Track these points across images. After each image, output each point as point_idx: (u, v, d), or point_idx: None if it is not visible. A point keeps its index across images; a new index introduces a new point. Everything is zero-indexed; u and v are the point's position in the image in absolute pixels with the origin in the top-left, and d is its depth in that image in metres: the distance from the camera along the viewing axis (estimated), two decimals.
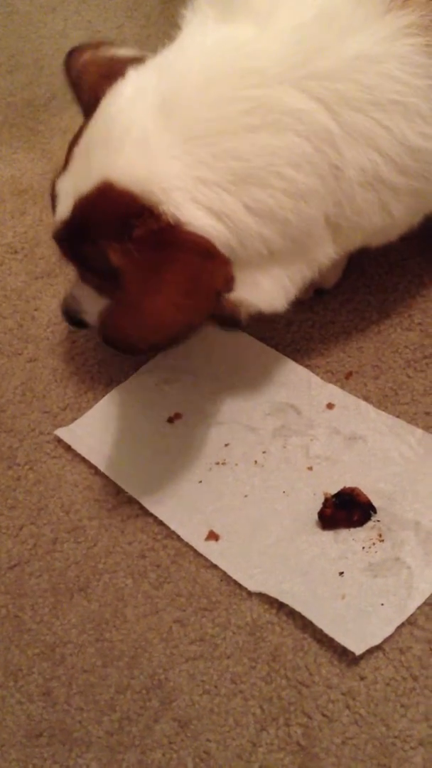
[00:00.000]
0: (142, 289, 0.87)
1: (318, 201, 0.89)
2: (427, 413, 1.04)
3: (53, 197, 0.97)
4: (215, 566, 0.94)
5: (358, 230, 0.95)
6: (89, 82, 0.99)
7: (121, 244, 0.87)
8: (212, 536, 0.96)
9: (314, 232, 0.92)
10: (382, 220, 0.94)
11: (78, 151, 0.94)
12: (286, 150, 0.86)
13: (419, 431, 1.01)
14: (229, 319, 0.98)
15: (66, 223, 0.93)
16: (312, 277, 0.98)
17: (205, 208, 0.86)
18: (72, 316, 1.07)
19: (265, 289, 0.94)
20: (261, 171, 0.86)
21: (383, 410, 1.04)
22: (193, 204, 0.86)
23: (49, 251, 1.36)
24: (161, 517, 0.98)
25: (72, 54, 1.07)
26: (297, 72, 0.85)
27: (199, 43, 0.91)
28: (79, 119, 1.75)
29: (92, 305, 1.01)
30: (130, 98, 0.91)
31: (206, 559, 0.95)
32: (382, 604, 0.87)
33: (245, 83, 0.86)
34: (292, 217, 0.89)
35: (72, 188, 0.92)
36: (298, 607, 0.88)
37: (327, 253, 0.96)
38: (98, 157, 0.90)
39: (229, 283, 0.90)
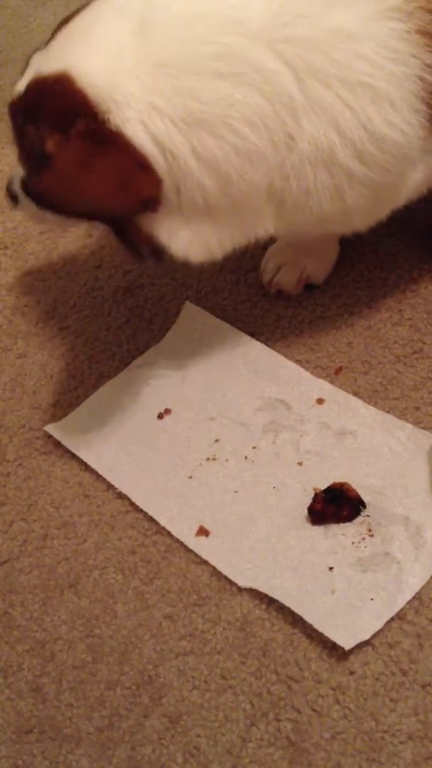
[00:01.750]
0: (75, 167, 0.87)
1: (265, 167, 0.88)
2: (417, 408, 1.04)
3: (25, 67, 0.97)
4: (205, 562, 0.94)
5: (305, 211, 0.93)
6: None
7: (61, 135, 0.87)
8: (202, 532, 0.96)
9: (254, 200, 0.91)
10: (333, 206, 0.93)
11: (60, 34, 0.93)
12: (246, 106, 0.85)
13: (409, 426, 1.01)
14: (146, 249, 0.96)
15: (20, 97, 0.94)
16: (243, 245, 0.97)
17: (151, 135, 0.86)
18: (8, 191, 1.06)
19: (181, 238, 0.93)
20: (216, 119, 0.85)
21: (373, 405, 1.04)
22: (140, 125, 0.85)
23: (39, 247, 1.36)
24: (151, 513, 0.98)
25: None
26: (275, 33, 0.84)
27: None
28: None
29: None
30: (118, 8, 0.90)
31: (196, 555, 0.95)
32: (372, 599, 0.87)
33: (224, 29, 0.85)
34: (235, 175, 0.88)
35: (38, 66, 0.92)
36: (287, 602, 0.88)
37: (266, 227, 0.95)
38: (70, 46, 0.90)
39: (155, 202, 0.89)
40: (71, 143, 0.87)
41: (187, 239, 0.93)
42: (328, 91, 0.86)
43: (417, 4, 0.86)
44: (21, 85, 0.94)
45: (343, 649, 0.84)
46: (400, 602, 0.87)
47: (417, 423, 1.02)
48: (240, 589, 0.91)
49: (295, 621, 0.88)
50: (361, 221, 1.02)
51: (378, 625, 0.85)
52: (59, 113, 0.88)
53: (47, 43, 0.95)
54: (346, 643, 0.84)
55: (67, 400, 1.13)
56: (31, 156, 0.94)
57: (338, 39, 0.85)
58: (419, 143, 0.91)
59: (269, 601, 0.90)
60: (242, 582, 0.91)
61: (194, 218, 0.91)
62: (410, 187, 0.98)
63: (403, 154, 0.91)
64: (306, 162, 0.89)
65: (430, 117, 0.90)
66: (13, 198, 1.06)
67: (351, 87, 0.86)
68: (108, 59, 0.87)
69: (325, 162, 0.89)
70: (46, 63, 0.91)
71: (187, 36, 0.86)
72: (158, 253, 0.95)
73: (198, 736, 0.83)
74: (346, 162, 0.89)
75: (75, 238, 1.37)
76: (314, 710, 0.83)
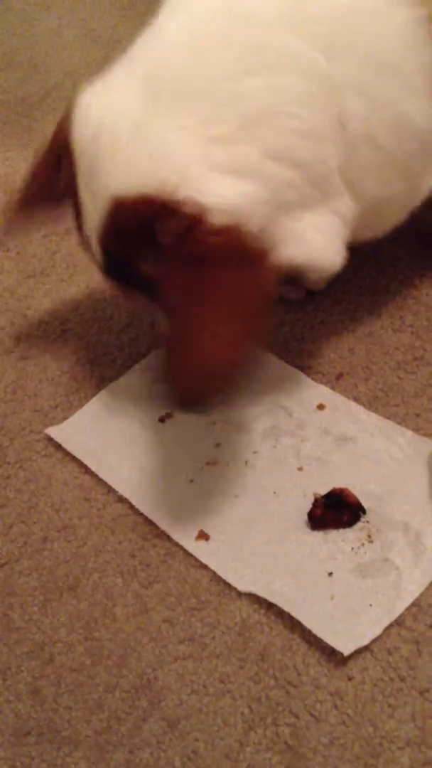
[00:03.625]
0: (188, 319, 0.80)
1: (329, 145, 0.84)
2: (417, 415, 1.04)
3: (85, 246, 0.94)
4: (205, 566, 0.94)
5: (361, 196, 0.90)
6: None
7: (151, 252, 0.81)
8: (202, 536, 0.96)
9: (332, 180, 0.86)
10: (377, 188, 0.90)
11: (82, 195, 0.89)
12: (290, 89, 0.81)
13: (409, 433, 1.01)
14: (298, 286, 0.92)
15: (102, 260, 0.90)
16: (345, 234, 0.90)
17: (227, 171, 0.80)
18: None
19: (311, 240, 0.87)
20: (270, 109, 0.81)
21: (373, 411, 1.04)
22: (213, 173, 0.79)
23: (41, 249, 1.36)
24: (151, 517, 0.98)
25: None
26: (292, 15, 0.82)
27: (181, 11, 0.85)
28: None
29: None
30: (101, 105, 0.86)
31: (196, 559, 0.95)
32: (371, 605, 0.87)
33: (236, 29, 0.81)
34: (310, 157, 0.84)
35: (93, 227, 0.88)
36: (286, 607, 0.88)
37: (349, 206, 0.89)
38: (98, 182, 0.85)
39: (278, 272, 0.83)
40: (167, 257, 0.81)
41: (313, 238, 0.88)
42: (359, 67, 0.83)
43: None
44: (96, 253, 0.91)
45: (341, 654, 0.84)
46: (399, 608, 0.87)
47: (417, 429, 1.02)
48: (239, 594, 0.92)
49: (294, 626, 0.88)
50: (390, 221, 0.99)
51: (377, 630, 0.85)
52: (134, 237, 0.83)
53: (78, 216, 0.91)
54: (345, 648, 0.84)
55: (68, 403, 1.13)
56: (146, 294, 0.88)
57: (357, 14, 0.83)
58: None
59: (268, 606, 0.90)
60: (242, 587, 0.91)
61: (300, 217, 0.85)
62: (431, 181, 0.95)
63: (424, 141, 0.89)
64: (358, 140, 0.85)
65: None
66: None
67: (379, 64, 0.84)
68: (136, 145, 0.81)
69: (371, 141, 0.86)
70: (98, 216, 0.86)
71: (199, 56, 0.82)
72: (304, 277, 0.92)
73: (196, 740, 0.83)
74: (385, 143, 0.86)
75: (77, 241, 1.38)
76: (312, 715, 0.83)
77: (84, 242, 0.95)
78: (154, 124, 0.81)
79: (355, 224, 0.92)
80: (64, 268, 1.33)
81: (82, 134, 0.88)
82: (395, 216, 1.00)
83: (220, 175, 0.79)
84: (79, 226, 0.93)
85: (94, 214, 0.87)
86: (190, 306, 0.80)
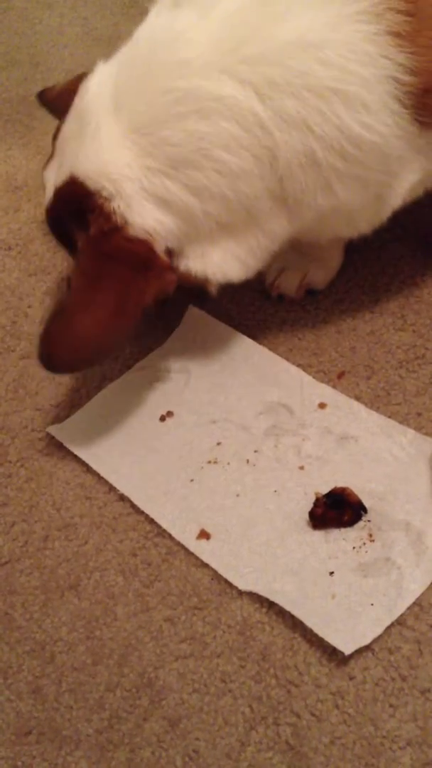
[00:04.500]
0: (78, 300, 0.95)
1: (254, 180, 0.91)
2: (419, 414, 1.04)
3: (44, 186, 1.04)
4: (206, 565, 0.94)
5: (307, 208, 0.95)
6: (66, 99, 1.03)
7: (84, 234, 0.95)
8: (203, 535, 0.96)
9: (260, 207, 0.94)
10: (328, 200, 0.95)
11: (57, 144, 1.01)
12: (214, 134, 0.89)
13: (411, 432, 1.01)
14: (198, 292, 1.01)
15: (48, 212, 1.01)
16: (274, 249, 1.00)
17: (153, 197, 0.92)
18: None
19: (214, 261, 0.97)
20: (193, 155, 0.90)
21: (375, 410, 1.04)
22: (142, 194, 0.92)
23: (43, 248, 1.36)
24: (152, 515, 0.98)
25: (43, 92, 1.19)
26: (226, 59, 0.87)
27: (149, 33, 0.94)
28: None
29: None
30: (94, 92, 0.96)
31: (197, 558, 0.95)
32: (372, 604, 0.87)
33: (175, 74, 0.89)
34: (231, 194, 0.92)
35: (52, 179, 1.00)
36: (288, 607, 0.88)
37: (283, 226, 0.97)
38: (68, 151, 0.97)
39: (166, 288, 0.96)
40: (88, 245, 0.95)
41: (219, 260, 0.97)
42: (294, 100, 0.87)
43: (386, 5, 0.86)
44: (46, 202, 1.02)
45: (342, 654, 0.84)
46: (401, 608, 0.87)
47: (419, 428, 1.02)
48: (240, 593, 0.91)
49: (295, 625, 0.88)
50: (364, 222, 1.02)
51: (378, 630, 0.85)
52: (76, 214, 0.95)
53: (50, 158, 1.03)
54: (346, 648, 0.84)
55: (69, 401, 1.13)
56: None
57: (293, 49, 0.86)
58: (403, 143, 0.92)
59: (269, 605, 0.90)
60: (243, 585, 0.91)
61: (217, 240, 0.96)
62: (406, 186, 0.98)
63: (385, 154, 0.92)
64: (293, 166, 0.91)
65: (412, 116, 0.90)
66: None
67: (318, 93, 0.87)
68: (94, 143, 0.93)
69: (309, 163, 0.91)
70: (58, 175, 0.98)
71: (148, 91, 0.91)
72: (204, 284, 1.00)
73: (197, 739, 0.83)
74: (329, 160, 0.91)
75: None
76: (313, 715, 0.83)
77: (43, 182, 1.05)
78: (108, 135, 0.92)
79: (303, 234, 1.01)
80: (65, 267, 1.33)
81: (78, 99, 0.98)
82: (369, 219, 1.02)
83: (146, 201, 0.92)
84: (44, 167, 1.05)
85: (58, 172, 0.99)
86: (86, 286, 0.95)
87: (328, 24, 0.86)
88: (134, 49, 0.95)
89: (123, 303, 0.94)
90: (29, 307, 1.27)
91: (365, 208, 0.99)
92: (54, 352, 0.97)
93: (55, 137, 1.03)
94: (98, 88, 0.95)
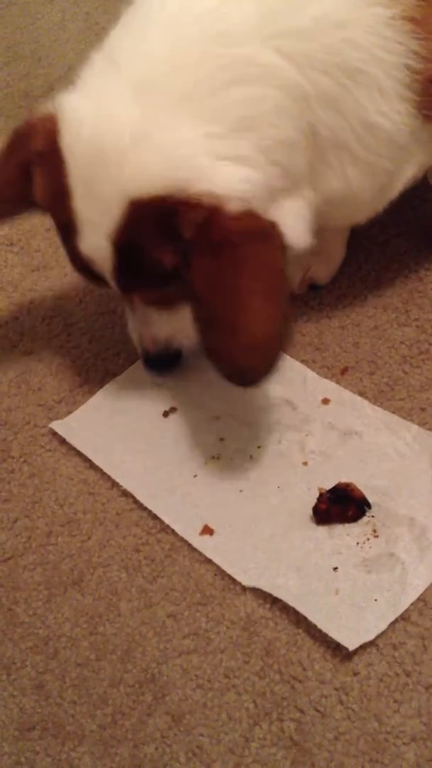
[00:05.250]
0: (224, 304, 0.84)
1: (301, 152, 0.89)
2: (423, 409, 1.04)
3: (78, 261, 0.94)
4: (209, 561, 0.94)
5: (322, 190, 0.94)
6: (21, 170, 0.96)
7: (172, 246, 0.85)
8: (207, 531, 0.95)
9: (302, 176, 0.92)
10: (341, 184, 0.94)
11: (80, 203, 0.89)
12: (266, 101, 0.85)
13: (415, 427, 1.01)
14: (301, 280, 1.00)
15: (113, 261, 0.90)
16: (310, 219, 0.95)
17: (229, 160, 0.84)
18: (168, 350, 1.02)
19: (289, 223, 0.91)
20: (252, 118, 0.85)
21: (379, 406, 1.04)
22: (219, 161, 0.84)
23: (45, 243, 1.36)
24: (156, 512, 0.98)
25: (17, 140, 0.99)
26: (265, 30, 0.85)
27: (158, 17, 0.88)
28: None
29: (172, 323, 0.99)
30: (95, 113, 0.87)
31: (200, 554, 0.94)
32: (376, 600, 0.87)
33: (217, 44, 0.85)
34: (285, 160, 0.89)
35: (101, 236, 0.89)
36: (291, 602, 0.88)
37: (310, 196, 0.94)
38: (107, 187, 0.86)
39: (284, 247, 0.88)
40: (192, 250, 0.85)
41: (292, 222, 0.92)
42: (327, 78, 0.86)
43: None
44: (105, 259, 0.91)
45: (346, 649, 0.84)
46: (405, 603, 0.86)
47: (423, 424, 1.02)
48: (244, 589, 0.91)
49: (299, 621, 0.88)
50: (364, 211, 1.02)
51: (382, 626, 0.85)
52: (156, 232, 0.86)
53: (72, 230, 0.91)
54: (351, 643, 0.84)
55: (72, 397, 1.13)
56: (161, 285, 0.92)
57: (325, 26, 0.85)
58: (409, 133, 0.92)
59: (273, 601, 0.90)
60: (246, 581, 0.91)
61: (283, 203, 0.91)
62: (406, 178, 0.98)
63: (394, 143, 0.92)
64: (327, 143, 0.89)
65: (417, 106, 0.90)
66: (174, 358, 1.04)
67: (347, 73, 0.86)
68: (143, 146, 0.84)
69: (336, 144, 0.90)
70: (108, 221, 0.87)
71: (187, 67, 0.85)
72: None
73: (201, 735, 0.83)
74: (348, 144, 0.90)
75: (65, 247, 1.37)
76: (317, 710, 0.83)
77: (73, 248, 0.94)
78: (156, 127, 0.84)
79: (317, 214, 0.97)
80: (68, 262, 1.32)
81: (76, 142, 0.89)
82: (369, 209, 1.02)
83: (224, 163, 0.84)
84: (68, 233, 0.93)
85: (103, 217, 0.88)
86: (222, 289, 0.85)
87: (353, 4, 0.85)
88: (143, 37, 0.88)
89: (268, 280, 0.85)
90: (31, 303, 1.27)
91: (370, 196, 0.98)
92: (245, 364, 0.88)
93: (62, 211, 0.91)
94: (97, 105, 0.87)
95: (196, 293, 0.87)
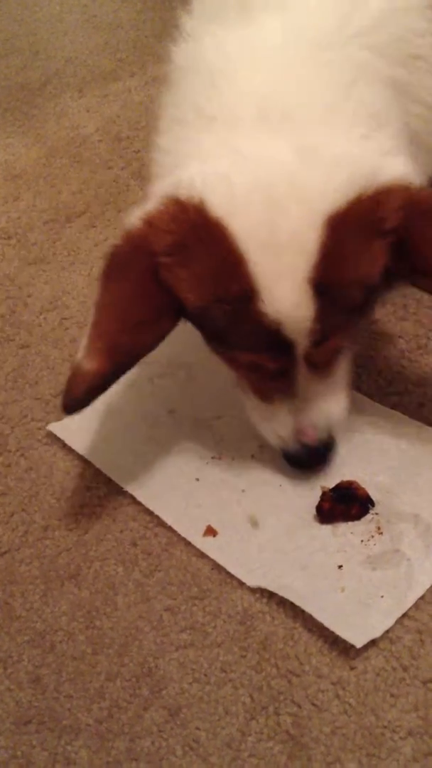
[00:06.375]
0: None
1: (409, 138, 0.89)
2: (421, 404, 1.03)
3: (259, 335, 0.83)
4: (206, 555, 0.93)
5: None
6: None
7: (381, 241, 0.81)
8: (210, 531, 0.95)
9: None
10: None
11: (261, 258, 0.80)
12: (380, 94, 0.85)
13: (416, 423, 1.00)
14: None
15: (314, 307, 0.81)
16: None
17: (384, 153, 0.83)
18: (326, 439, 0.93)
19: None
20: (379, 115, 0.84)
21: (377, 401, 1.04)
22: (384, 156, 0.83)
23: (42, 237, 1.35)
24: (158, 513, 0.97)
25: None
26: (347, 30, 0.84)
27: (243, 49, 0.85)
28: (76, 105, 1.74)
29: (332, 399, 0.91)
30: (241, 161, 0.81)
31: (197, 548, 0.94)
32: (382, 597, 0.86)
33: (320, 53, 0.83)
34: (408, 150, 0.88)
35: (297, 279, 0.80)
36: (297, 601, 0.87)
37: None
38: (294, 224, 0.79)
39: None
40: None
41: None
42: (402, 67, 0.87)
43: None
44: (303, 305, 0.81)
45: (344, 644, 0.84)
46: (411, 599, 0.86)
47: (421, 419, 1.01)
48: (241, 583, 0.91)
49: (296, 615, 0.88)
50: None
51: (389, 622, 0.84)
52: (361, 241, 0.81)
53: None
54: (358, 641, 0.83)
55: None
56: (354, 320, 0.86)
57: (390, 16, 0.87)
58: None
59: (270, 595, 0.90)
60: (251, 582, 0.90)
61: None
62: None
63: None
64: (422, 134, 0.90)
65: None
66: (323, 455, 0.95)
67: (415, 60, 0.88)
68: (317, 168, 0.80)
69: (416, 134, 0.90)
70: (306, 256, 0.79)
71: (310, 82, 0.83)
72: None
73: (197, 729, 0.83)
74: (423, 136, 0.91)
75: (79, 228, 1.37)
76: (314, 705, 0.83)
77: (253, 321, 0.82)
78: (316, 143, 0.81)
79: None
80: (65, 256, 1.32)
81: (236, 198, 0.81)
82: None
83: (389, 157, 0.83)
84: (242, 309, 0.82)
85: (297, 255, 0.80)
86: None
87: None
88: (254, 60, 0.85)
89: None
90: (28, 296, 1.27)
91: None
92: None
93: (193, 291, 0.82)
94: (232, 158, 0.81)
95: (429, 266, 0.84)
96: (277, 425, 0.93)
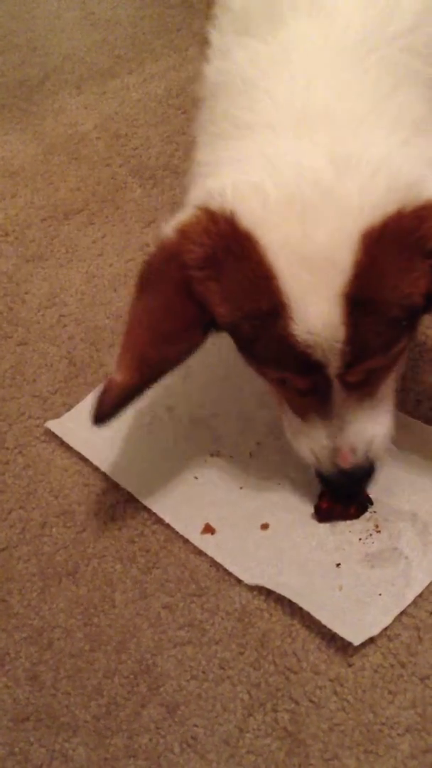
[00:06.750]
0: None
1: None
2: (419, 402, 1.04)
3: (289, 355, 0.79)
4: (204, 552, 0.93)
5: None
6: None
7: (423, 262, 0.76)
8: (208, 529, 0.95)
9: None
10: None
11: (293, 274, 0.76)
12: (422, 97, 0.81)
13: (415, 422, 1.00)
14: None
15: (347, 329, 0.76)
16: None
17: (426, 160, 0.79)
18: (366, 461, 0.87)
19: None
20: (424, 119, 0.81)
21: None
22: (423, 164, 0.78)
23: (40, 234, 1.35)
24: (156, 511, 0.97)
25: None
26: (385, 33, 0.81)
27: (291, 60, 0.82)
28: (74, 102, 1.74)
29: (372, 421, 0.86)
30: (277, 170, 0.77)
31: (195, 545, 0.94)
32: (380, 594, 0.86)
33: (360, 56, 0.80)
34: None
35: (330, 298, 0.76)
36: (295, 599, 0.87)
37: None
38: (327, 234, 0.75)
39: None
40: None
41: None
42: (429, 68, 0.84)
43: None
44: (337, 329, 0.77)
45: (341, 641, 0.84)
46: (409, 597, 0.86)
47: (418, 416, 1.01)
48: (239, 580, 0.91)
49: (294, 612, 0.88)
50: None
51: (387, 620, 0.85)
52: (402, 262, 0.76)
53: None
54: (356, 638, 0.83)
55: (67, 388, 1.12)
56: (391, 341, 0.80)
57: (423, 17, 0.84)
58: None
59: (268, 593, 0.90)
60: (249, 579, 0.90)
61: None
62: None
63: None
64: None
65: None
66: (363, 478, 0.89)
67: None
68: (359, 182, 0.76)
69: None
70: (341, 275, 0.75)
71: (350, 86, 0.80)
72: None
73: (195, 725, 0.83)
74: None
75: (77, 225, 1.37)
76: (312, 701, 0.83)
77: (283, 340, 0.78)
78: (354, 151, 0.77)
79: None
80: (63, 253, 1.32)
81: (270, 209, 0.77)
82: None
83: (425, 166, 0.78)
84: (272, 326, 0.79)
85: (331, 273, 0.76)
86: None
87: None
88: (275, 87, 0.81)
89: None
90: (26, 293, 1.26)
91: None
92: None
93: (224, 304, 0.79)
94: (273, 165, 0.77)
95: None
96: (313, 444, 0.88)
